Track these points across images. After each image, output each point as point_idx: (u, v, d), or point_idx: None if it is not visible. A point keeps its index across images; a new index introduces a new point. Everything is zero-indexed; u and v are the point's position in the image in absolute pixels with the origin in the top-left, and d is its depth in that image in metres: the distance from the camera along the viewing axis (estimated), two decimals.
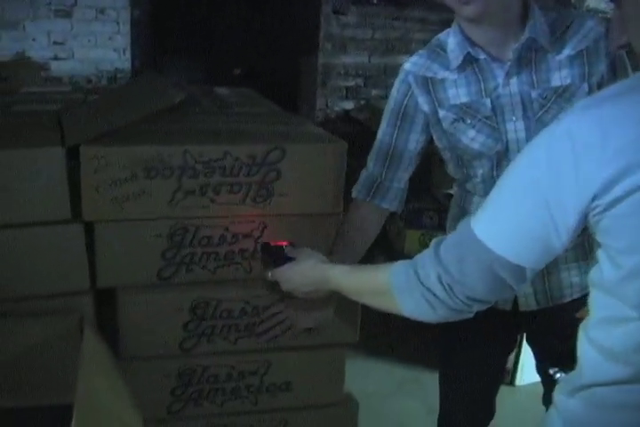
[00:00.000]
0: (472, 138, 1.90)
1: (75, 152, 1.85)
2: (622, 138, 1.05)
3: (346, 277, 1.62)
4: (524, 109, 1.84)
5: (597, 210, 1.10)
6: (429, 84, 1.94)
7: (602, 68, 1.79)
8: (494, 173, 1.93)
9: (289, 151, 1.93)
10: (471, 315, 1.38)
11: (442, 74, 1.91)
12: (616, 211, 1.09)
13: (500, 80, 1.84)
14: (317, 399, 2.23)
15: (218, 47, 6.39)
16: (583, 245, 1.96)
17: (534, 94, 1.82)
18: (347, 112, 5.16)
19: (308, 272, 1.72)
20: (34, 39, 4.97)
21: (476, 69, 1.87)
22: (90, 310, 1.95)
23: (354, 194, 2.09)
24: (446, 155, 2.06)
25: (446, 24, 5.32)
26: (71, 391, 1.48)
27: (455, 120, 1.92)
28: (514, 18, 1.79)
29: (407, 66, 2.01)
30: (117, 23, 5.10)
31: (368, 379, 2.51)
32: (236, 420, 2.18)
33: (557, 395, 1.33)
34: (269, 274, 1.83)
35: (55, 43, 5.03)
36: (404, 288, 1.39)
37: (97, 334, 1.91)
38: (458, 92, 1.89)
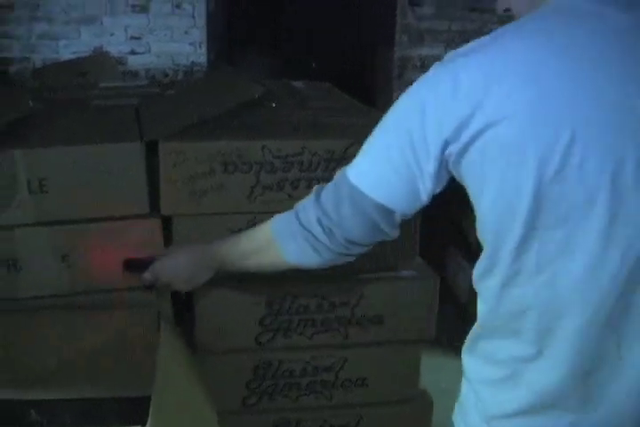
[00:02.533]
0: None
1: (153, 147, 1.87)
2: (470, 85, 1.11)
3: (231, 244, 1.65)
4: None
5: (452, 159, 1.16)
6: None
7: None
8: None
9: None
10: (352, 258, 1.46)
11: None
12: (466, 159, 1.14)
13: None
14: (392, 395, 2.21)
15: (293, 40, 6.39)
16: None
17: None
18: None
19: (187, 258, 1.73)
20: (112, 34, 5.04)
21: None
22: (167, 304, 1.96)
23: None
24: None
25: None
26: (149, 384, 1.50)
27: None
28: None
29: None
30: (193, 17, 5.13)
31: (442, 375, 2.48)
32: (310, 415, 2.17)
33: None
34: (146, 275, 1.80)
35: (132, 37, 5.09)
36: (287, 234, 1.46)
37: (174, 327, 1.92)
38: None
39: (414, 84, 1.23)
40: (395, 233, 1.38)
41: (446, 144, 1.15)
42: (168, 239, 1.93)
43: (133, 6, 5.04)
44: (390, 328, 2.10)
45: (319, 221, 1.38)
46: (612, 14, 1.10)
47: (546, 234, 1.12)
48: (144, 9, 5.05)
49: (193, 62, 5.17)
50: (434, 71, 1.19)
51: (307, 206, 1.43)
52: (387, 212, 1.29)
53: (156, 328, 1.84)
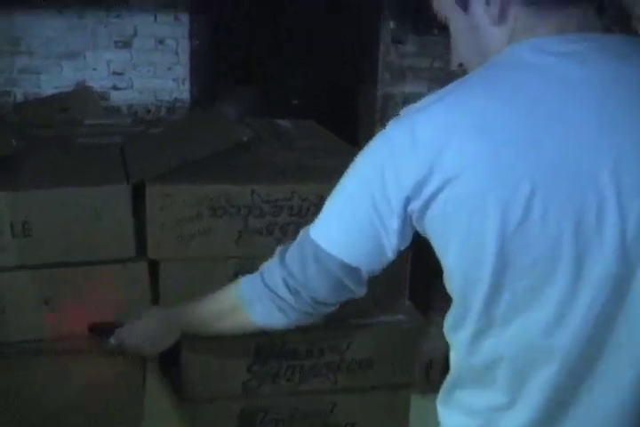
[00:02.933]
0: None
1: (140, 189, 1.84)
2: (425, 140, 1.10)
3: (195, 308, 1.62)
4: None
5: (414, 215, 1.15)
6: None
7: None
8: None
9: None
10: (319, 319, 1.47)
11: None
12: (428, 215, 1.13)
13: None
14: None
15: (276, 77, 6.40)
16: None
17: None
18: None
19: (152, 325, 1.70)
20: (94, 69, 5.02)
21: None
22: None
23: None
24: None
25: None
26: None
27: None
28: None
29: None
30: (176, 53, 5.13)
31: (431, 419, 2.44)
32: None
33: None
34: (111, 341, 1.76)
35: (115, 73, 5.08)
36: (254, 297, 1.45)
37: (159, 374, 1.88)
38: None
39: (372, 141, 1.22)
40: (362, 291, 1.38)
41: (408, 201, 1.14)
42: (155, 283, 1.90)
43: (116, 41, 5.03)
44: (380, 373, 2.07)
45: (285, 282, 1.37)
46: (564, 67, 1.09)
47: (513, 285, 1.11)
48: (127, 44, 5.05)
49: (176, 99, 5.17)
50: (390, 128, 1.18)
51: (271, 268, 1.43)
52: (352, 270, 1.29)
53: (141, 375, 1.80)
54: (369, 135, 4.07)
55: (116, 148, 2.23)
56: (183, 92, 5.18)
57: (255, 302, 1.45)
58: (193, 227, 1.85)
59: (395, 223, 1.18)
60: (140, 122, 3.47)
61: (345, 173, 1.28)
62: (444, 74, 5.15)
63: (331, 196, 1.32)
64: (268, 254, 1.90)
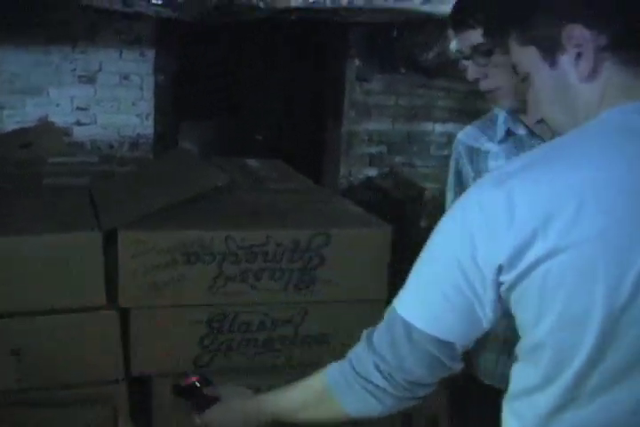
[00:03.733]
0: None
1: (111, 235, 1.80)
2: (526, 211, 1.04)
3: (280, 398, 1.51)
4: None
5: (505, 286, 1.08)
6: (474, 155, 1.92)
7: None
8: None
9: (334, 236, 1.88)
10: (418, 401, 1.34)
11: (487, 146, 1.88)
12: (522, 286, 1.07)
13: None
14: None
15: (241, 113, 6.40)
16: None
17: None
18: (370, 179, 5.11)
19: (239, 409, 1.60)
20: (57, 105, 4.96)
21: (517, 144, 1.84)
22: (123, 399, 1.87)
23: None
24: None
25: (471, 94, 5.30)
26: None
27: None
28: None
29: (460, 135, 1.97)
30: (141, 89, 5.09)
31: None
32: None
33: None
34: (197, 419, 1.66)
35: (78, 108, 5.02)
36: (344, 386, 1.34)
37: (131, 424, 1.83)
38: (496, 165, 1.86)
39: (458, 206, 1.14)
40: (458, 366, 1.27)
41: (501, 270, 1.07)
42: (125, 332, 1.85)
43: (80, 77, 4.99)
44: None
45: (377, 367, 1.28)
46: None
47: (610, 362, 1.07)
48: (91, 80, 5.00)
49: (139, 134, 5.12)
50: (480, 193, 1.10)
51: (360, 354, 1.32)
52: (447, 345, 1.21)
53: (113, 424, 1.76)
54: (333, 171, 4.06)
55: (85, 190, 2.19)
56: (147, 127, 5.13)
57: (346, 391, 1.34)
58: (166, 274, 1.81)
59: (489, 294, 1.11)
60: (105, 160, 3.41)
61: (429, 242, 1.19)
62: (408, 112, 5.17)
63: (415, 266, 1.23)
64: (241, 302, 1.89)
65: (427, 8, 3.78)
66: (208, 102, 6.17)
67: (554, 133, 1.20)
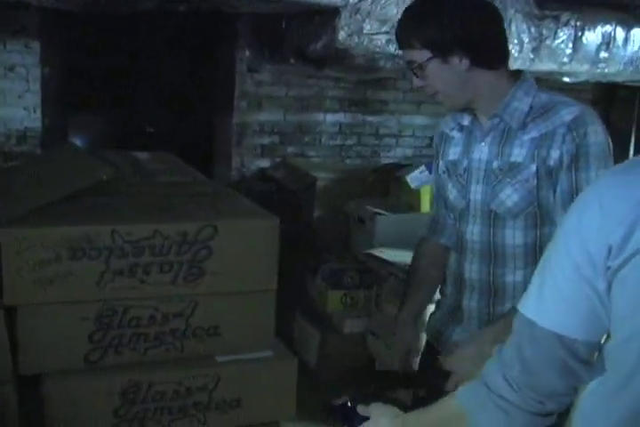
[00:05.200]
0: (449, 190, 2.09)
1: None
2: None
3: (419, 419, 1.50)
4: (486, 176, 1.97)
5: (611, 271, 1.12)
6: (445, 140, 2.14)
7: (554, 154, 1.87)
8: (458, 225, 2.08)
9: (221, 228, 1.88)
10: (550, 421, 1.30)
11: (453, 132, 2.11)
12: (622, 273, 1.10)
13: (477, 146, 2.00)
14: None
15: (131, 105, 6.31)
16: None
17: (495, 165, 1.96)
18: (263, 170, 5.12)
19: None
20: None
21: (467, 133, 2.05)
22: (12, 400, 1.84)
23: (422, 234, 2.26)
24: None
25: (361, 83, 5.35)
26: None
27: (444, 172, 2.12)
28: (490, 95, 1.95)
29: (441, 123, 2.21)
30: (27, 81, 4.97)
31: None
32: None
33: None
34: None
35: None
36: (477, 404, 1.33)
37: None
38: (454, 150, 2.09)
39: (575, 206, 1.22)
40: (588, 374, 1.25)
41: (609, 251, 1.11)
42: (12, 331, 1.82)
43: None
44: (249, 411, 2.05)
45: (505, 378, 1.27)
46: None
47: None
48: None
49: (27, 128, 4.99)
50: (599, 191, 1.18)
51: (490, 367, 1.32)
52: (570, 344, 1.20)
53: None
54: (225, 163, 4.05)
55: None
56: (34, 120, 5.01)
57: (479, 409, 1.32)
58: (52, 271, 1.79)
59: (601, 283, 1.13)
60: None
61: (551, 243, 1.24)
62: (299, 102, 5.19)
63: (539, 266, 1.26)
64: (131, 297, 1.88)
65: None
66: (98, 95, 6.07)
67: None
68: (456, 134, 2.09)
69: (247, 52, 5.03)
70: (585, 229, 1.14)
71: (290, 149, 5.23)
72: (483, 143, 1.99)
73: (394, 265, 3.66)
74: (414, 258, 2.26)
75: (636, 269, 1.08)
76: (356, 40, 3.85)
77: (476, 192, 2.00)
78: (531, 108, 1.94)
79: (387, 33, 3.84)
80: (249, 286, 1.97)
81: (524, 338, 1.24)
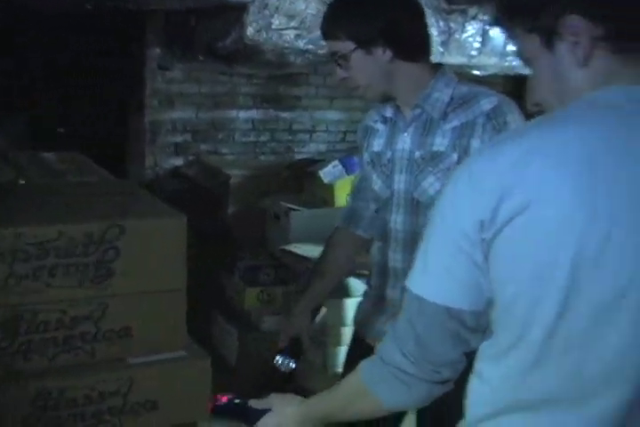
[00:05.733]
0: (374, 181, 2.13)
1: None
2: (509, 164, 1.13)
3: (324, 400, 1.56)
4: (409, 166, 2.03)
5: (486, 243, 1.16)
6: (369, 133, 2.20)
7: (475, 143, 1.94)
8: (382, 215, 2.12)
9: (128, 228, 1.85)
10: (448, 387, 1.37)
11: (377, 124, 2.17)
12: (496, 243, 1.15)
13: (400, 137, 2.05)
14: None
15: (41, 105, 6.18)
16: None
17: (417, 155, 2.01)
18: (176, 169, 5.06)
19: (292, 416, 1.62)
20: None
21: (391, 124, 2.10)
22: None
23: (337, 224, 2.33)
24: None
25: (273, 78, 5.35)
26: None
27: (368, 163, 2.17)
28: (411, 87, 2.01)
29: (365, 116, 2.26)
30: None
31: None
32: None
33: None
34: None
35: None
36: (377, 378, 1.39)
37: None
38: (377, 142, 2.14)
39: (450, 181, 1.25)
40: (477, 340, 1.30)
41: (482, 225, 1.15)
42: None
43: None
44: (165, 413, 2.02)
45: (401, 352, 1.32)
46: None
47: (576, 315, 1.13)
48: None
49: None
50: (469, 165, 1.22)
51: (385, 344, 1.37)
52: (459, 314, 1.25)
53: None
54: (138, 163, 4.01)
55: None
56: None
57: (379, 382, 1.38)
58: None
59: (478, 255, 1.18)
60: None
61: (430, 216, 1.29)
62: (211, 100, 5.15)
63: (421, 244, 1.30)
64: (37, 301, 1.83)
65: None
66: (6, 96, 5.93)
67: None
68: (380, 126, 2.14)
69: (157, 50, 4.96)
70: (458, 204, 1.19)
71: (203, 147, 5.18)
72: (405, 133, 2.04)
73: (310, 260, 3.66)
74: (326, 247, 2.31)
75: (508, 240, 1.13)
76: (265, 36, 3.84)
77: (400, 182, 2.04)
78: (451, 98, 1.99)
79: (295, 28, 3.84)
80: (158, 286, 1.94)
81: (415, 313, 1.29)
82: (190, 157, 5.14)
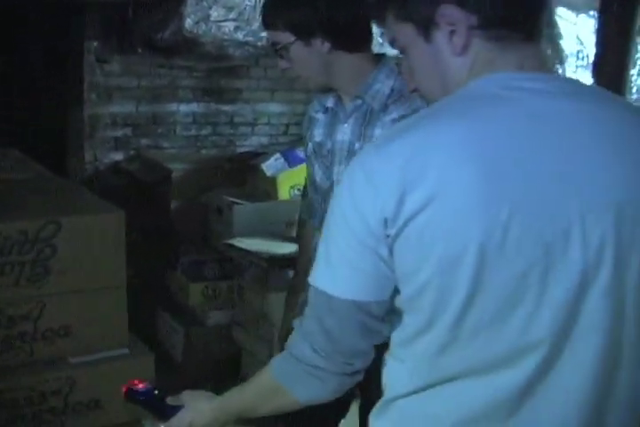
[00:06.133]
0: (316, 172, 2.17)
1: None
2: (406, 160, 1.14)
3: (236, 397, 1.55)
4: (348, 157, 2.03)
5: (390, 238, 1.17)
6: (311, 122, 2.21)
7: None
8: (324, 206, 2.12)
9: (64, 225, 1.82)
10: (359, 377, 1.38)
11: (318, 114, 2.18)
12: (400, 239, 1.16)
13: (340, 127, 2.07)
14: None
15: None
16: None
17: (357, 146, 2.02)
18: (117, 164, 4.98)
19: (207, 412, 1.59)
20: None
21: (332, 114, 2.11)
22: None
23: (301, 216, 2.39)
24: None
25: (213, 71, 5.30)
26: None
27: (311, 154, 2.19)
28: (352, 77, 2.02)
29: (309, 106, 2.27)
30: None
31: None
32: None
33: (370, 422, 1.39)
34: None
35: None
36: (290, 374, 1.40)
37: None
38: (318, 132, 2.16)
39: (345, 175, 1.25)
40: (386, 329, 1.31)
41: (386, 223, 1.16)
42: None
43: None
44: (109, 412, 2.00)
45: (312, 348, 1.33)
46: (534, 102, 1.17)
47: (485, 303, 1.16)
48: None
49: None
50: (363, 160, 1.22)
51: (295, 340, 1.38)
52: (366, 306, 1.26)
53: None
54: (78, 158, 3.93)
55: None
56: None
57: (292, 379, 1.39)
58: None
59: (383, 249, 1.19)
60: None
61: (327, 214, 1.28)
62: (151, 93, 5.08)
63: (321, 238, 1.30)
64: None
65: None
66: None
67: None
68: (321, 116, 2.15)
69: (95, 43, 4.88)
70: (359, 202, 1.19)
71: (144, 141, 5.11)
72: (346, 124, 2.05)
73: (254, 254, 3.63)
74: (299, 242, 2.39)
75: (413, 234, 1.15)
76: (204, 27, 3.81)
77: (339, 173, 2.05)
78: (392, 90, 2.01)
79: (234, 20, 3.82)
80: (98, 284, 1.92)
81: (322, 309, 1.29)
82: (131, 152, 5.07)
